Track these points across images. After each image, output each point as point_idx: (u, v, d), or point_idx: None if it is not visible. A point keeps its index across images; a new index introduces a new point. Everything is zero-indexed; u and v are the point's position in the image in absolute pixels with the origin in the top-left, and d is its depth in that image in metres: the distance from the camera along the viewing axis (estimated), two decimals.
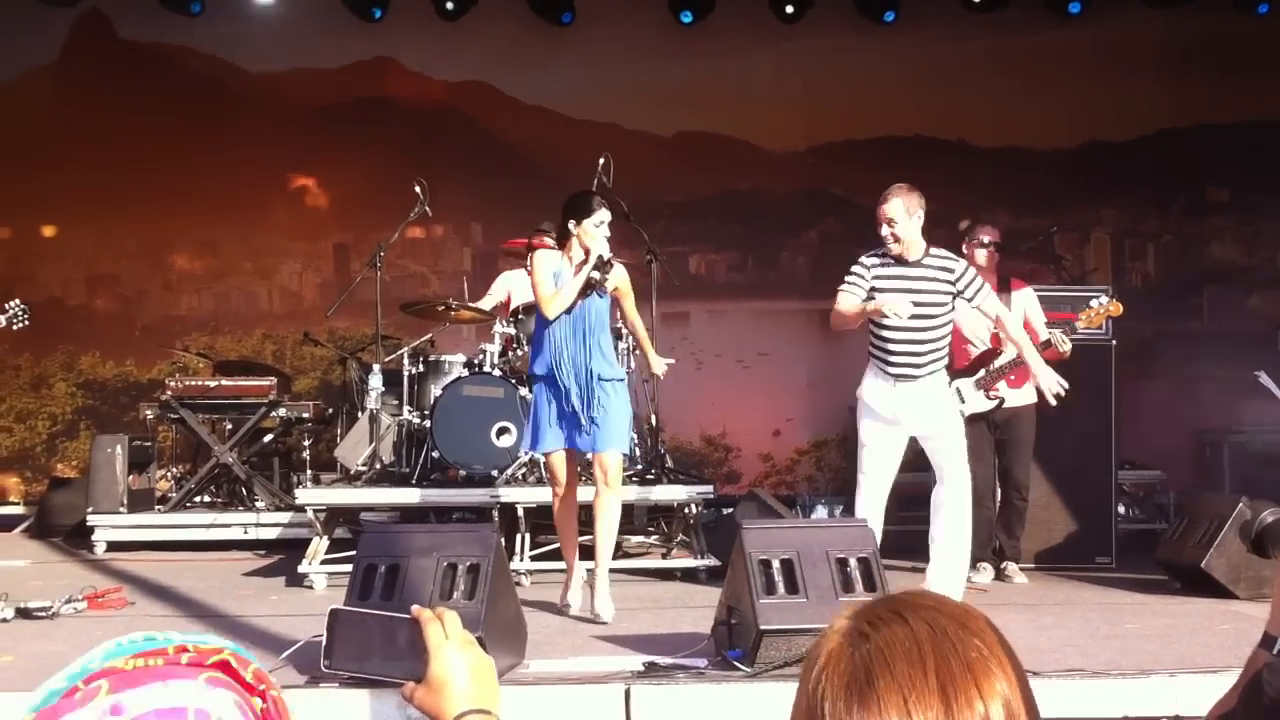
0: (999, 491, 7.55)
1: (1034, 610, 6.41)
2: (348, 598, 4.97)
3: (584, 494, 6.63)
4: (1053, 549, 7.78)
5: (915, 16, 10.98)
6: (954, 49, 11.24)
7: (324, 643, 1.66)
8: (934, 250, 6.32)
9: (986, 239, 7.52)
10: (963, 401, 7.02)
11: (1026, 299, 7.51)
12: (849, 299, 6.25)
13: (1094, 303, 7.28)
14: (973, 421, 7.10)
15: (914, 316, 6.12)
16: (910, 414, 6.33)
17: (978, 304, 6.36)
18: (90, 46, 11.27)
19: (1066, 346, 7.17)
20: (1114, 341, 7.88)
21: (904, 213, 6.18)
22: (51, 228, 11.43)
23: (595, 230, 6.25)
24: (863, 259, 6.33)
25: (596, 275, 6.20)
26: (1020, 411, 7.43)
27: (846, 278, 6.33)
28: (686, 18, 10.90)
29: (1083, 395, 7.65)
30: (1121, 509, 8.55)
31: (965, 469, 6.40)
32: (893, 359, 6.27)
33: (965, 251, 7.33)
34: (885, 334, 6.26)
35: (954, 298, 6.30)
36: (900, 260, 6.25)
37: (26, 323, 8.41)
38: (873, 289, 6.21)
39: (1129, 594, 6.94)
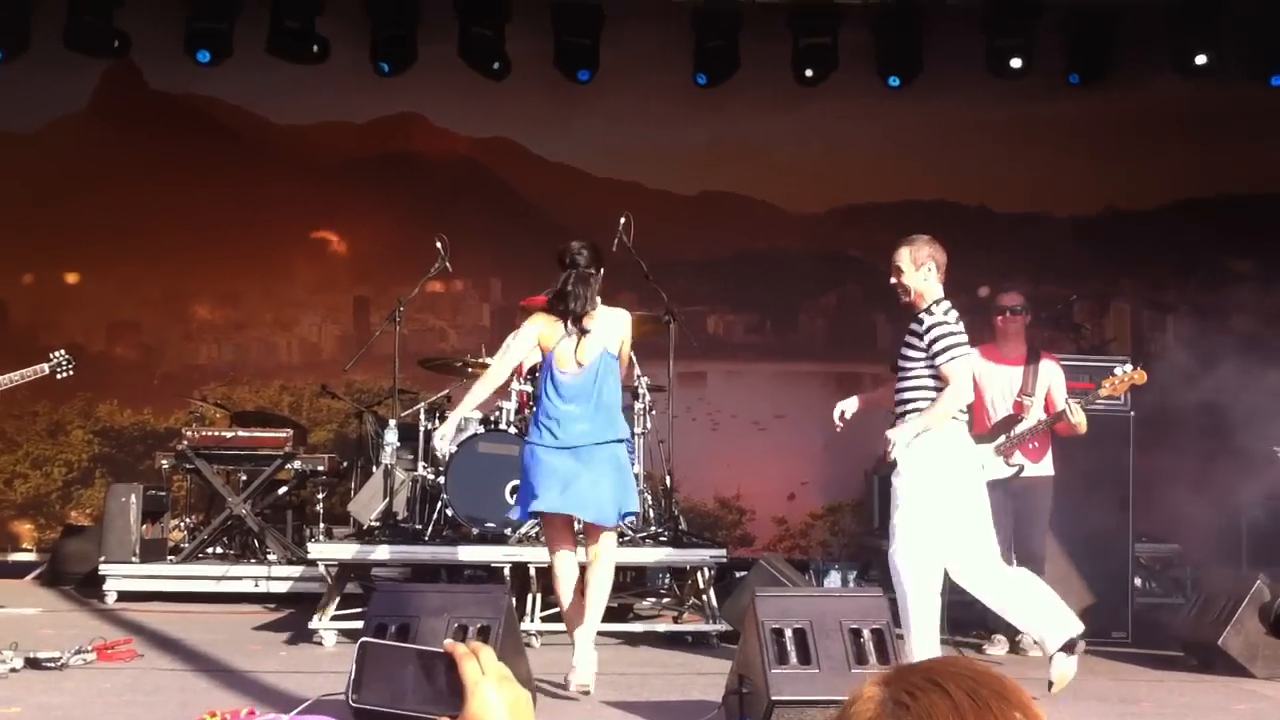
0: (1014, 562, 7.47)
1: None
2: None
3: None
4: None
5: (937, 81, 10.99)
6: (976, 115, 11.26)
7: (352, 676, 1.61)
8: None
9: (1014, 305, 7.49)
10: (982, 467, 6.91)
11: (1053, 373, 7.45)
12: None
13: (1118, 370, 6.97)
14: (989, 489, 7.03)
15: None
16: None
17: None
18: (120, 95, 11.39)
19: (1080, 418, 7.04)
20: (1132, 413, 7.84)
21: None
22: (75, 274, 11.51)
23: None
24: (949, 312, 6.03)
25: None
26: (1037, 482, 7.37)
27: (960, 340, 5.96)
28: (701, 80, 10.94)
29: (1101, 467, 7.63)
30: (1138, 582, 8.48)
31: None
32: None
33: (997, 323, 7.39)
34: None
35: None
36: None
37: (71, 372, 8.50)
38: None
39: (1145, 670, 6.87)
